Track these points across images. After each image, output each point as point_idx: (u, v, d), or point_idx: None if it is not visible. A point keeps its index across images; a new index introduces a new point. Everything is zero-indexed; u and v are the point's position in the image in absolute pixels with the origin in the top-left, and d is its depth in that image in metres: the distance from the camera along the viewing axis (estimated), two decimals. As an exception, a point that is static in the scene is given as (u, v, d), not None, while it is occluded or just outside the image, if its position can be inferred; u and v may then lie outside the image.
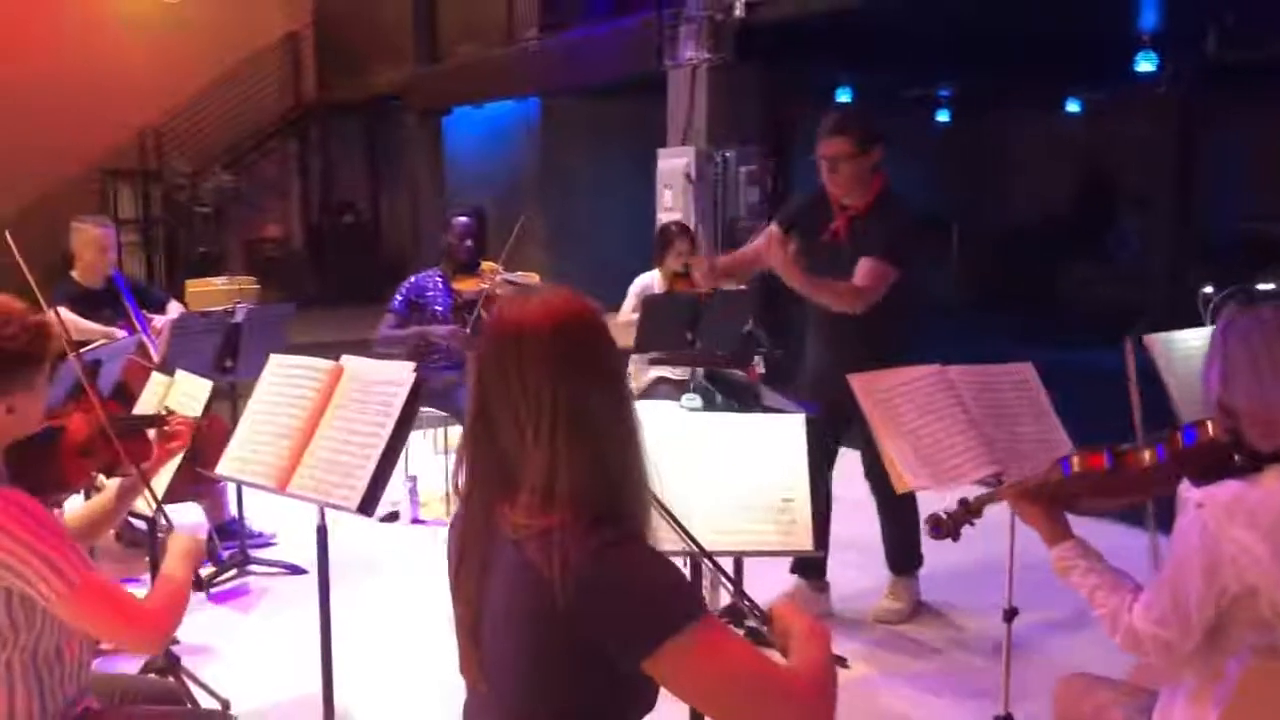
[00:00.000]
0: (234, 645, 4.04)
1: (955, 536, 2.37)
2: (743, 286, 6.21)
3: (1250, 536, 1.83)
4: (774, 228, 4.27)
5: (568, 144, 12.58)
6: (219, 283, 9.86)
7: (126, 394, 4.26)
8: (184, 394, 3.21)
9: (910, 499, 3.90)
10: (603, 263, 6.34)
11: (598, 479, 1.53)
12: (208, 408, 3.07)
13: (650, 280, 6.01)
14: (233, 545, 4.72)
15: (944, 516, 2.38)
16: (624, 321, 5.67)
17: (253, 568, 4.66)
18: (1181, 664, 1.96)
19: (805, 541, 2.53)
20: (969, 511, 2.34)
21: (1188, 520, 1.92)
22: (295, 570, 4.63)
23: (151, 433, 2.51)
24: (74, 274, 4.98)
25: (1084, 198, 15.26)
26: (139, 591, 2.15)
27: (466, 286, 5.57)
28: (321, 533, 2.77)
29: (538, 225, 12.82)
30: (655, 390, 5.58)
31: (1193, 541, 1.90)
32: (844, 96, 10.86)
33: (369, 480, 2.51)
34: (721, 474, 2.56)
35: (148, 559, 4.78)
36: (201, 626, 4.18)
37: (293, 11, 15.43)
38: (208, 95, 14.28)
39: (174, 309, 5.17)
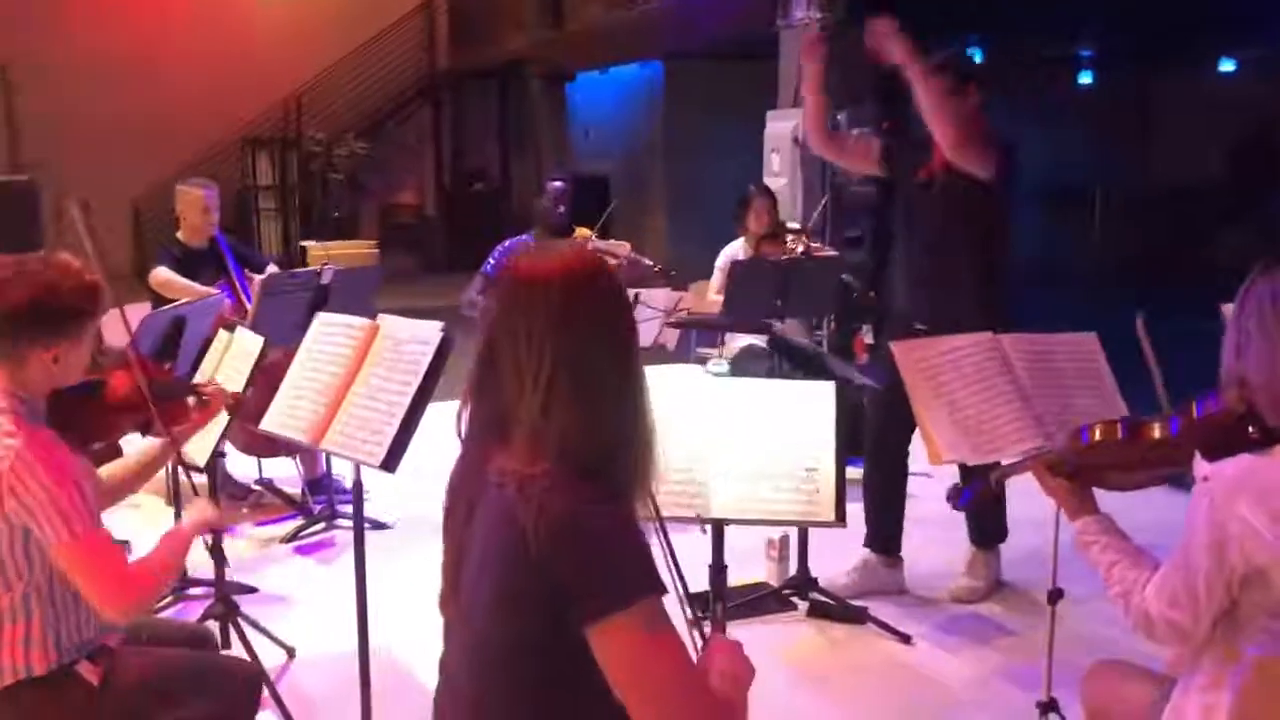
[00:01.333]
0: (312, 596, 4.16)
1: (975, 507, 2.25)
2: (834, 252, 6.08)
3: (1257, 514, 1.70)
4: (875, 146, 4.20)
5: (690, 108, 12.46)
6: (338, 246, 10.14)
7: None
8: (240, 351, 3.30)
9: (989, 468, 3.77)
10: (722, 229, 6.27)
11: (588, 434, 1.54)
12: (252, 376, 3.15)
13: (735, 249, 5.93)
14: (322, 500, 4.88)
15: (965, 487, 2.26)
16: (710, 300, 5.61)
17: (340, 522, 4.79)
18: (1196, 648, 1.83)
19: (827, 512, 2.45)
20: (986, 482, 2.22)
21: (1196, 496, 1.79)
22: (380, 526, 4.75)
23: (191, 399, 2.60)
24: (179, 235, 5.18)
25: (1239, 160, 14.37)
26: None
27: (558, 251, 5.61)
28: (357, 488, 2.82)
29: (659, 191, 12.78)
30: (744, 358, 5.51)
31: (1199, 519, 1.78)
32: (976, 57, 10.43)
33: (393, 438, 2.54)
34: (745, 440, 2.50)
35: (244, 510, 5.04)
36: (284, 576, 4.33)
37: (429, -23, 15.73)
38: (345, 64, 14.69)
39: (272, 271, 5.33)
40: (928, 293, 3.93)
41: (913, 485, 4.18)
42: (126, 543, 4.45)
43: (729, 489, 2.46)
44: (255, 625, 3.51)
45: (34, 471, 2.00)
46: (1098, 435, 1.96)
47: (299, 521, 4.77)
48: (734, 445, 2.49)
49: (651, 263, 5.43)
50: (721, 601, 2.61)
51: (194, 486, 2.76)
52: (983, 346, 2.75)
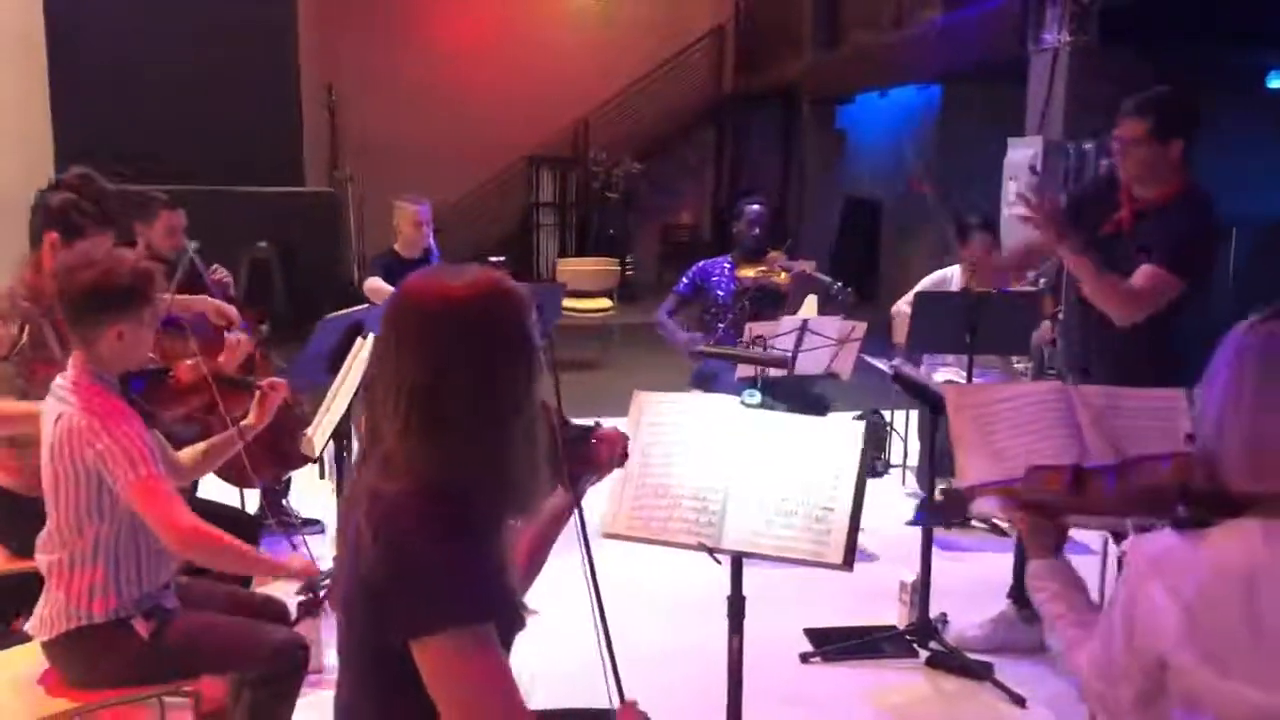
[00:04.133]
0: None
1: (947, 525, 2.12)
2: (1032, 287, 5.74)
3: (1168, 603, 1.53)
4: (1059, 203, 3.95)
5: (965, 132, 12.04)
6: (587, 262, 10.59)
7: None
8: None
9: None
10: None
11: (443, 459, 1.56)
12: None
13: (946, 275, 5.74)
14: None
15: (937, 499, 2.12)
16: (899, 320, 5.49)
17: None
18: None
19: (835, 555, 2.38)
20: (957, 500, 2.08)
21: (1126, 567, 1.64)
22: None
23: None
24: (395, 246, 5.65)
25: None
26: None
27: (748, 273, 5.66)
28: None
29: (928, 216, 12.40)
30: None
31: (1119, 593, 1.63)
32: (1276, 82, 9.46)
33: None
34: (766, 474, 2.47)
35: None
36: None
37: (718, 6, 16.10)
38: (635, 88, 15.32)
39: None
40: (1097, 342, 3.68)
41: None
42: (319, 521, 4.92)
43: (743, 522, 2.44)
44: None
45: (105, 424, 2.34)
46: (1047, 480, 1.83)
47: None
48: (754, 478, 2.47)
49: (830, 280, 5.36)
50: (739, 635, 2.58)
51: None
52: (1047, 395, 2.58)
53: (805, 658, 3.82)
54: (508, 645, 1.67)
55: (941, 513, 2.09)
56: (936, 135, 12.57)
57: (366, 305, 4.76)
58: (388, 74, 14.33)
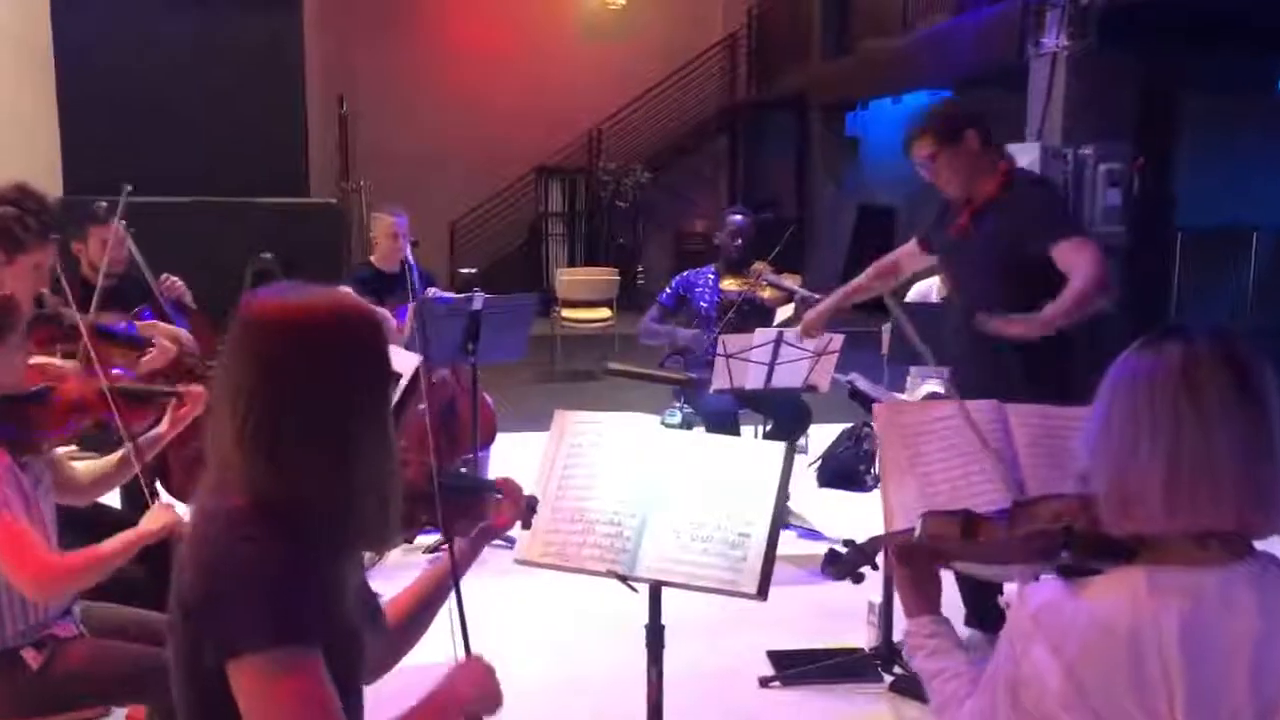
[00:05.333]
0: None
1: (856, 579, 1.97)
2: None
3: (1050, 663, 1.41)
4: (913, 243, 3.97)
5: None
6: (586, 272, 10.51)
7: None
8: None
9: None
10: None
11: (274, 475, 1.52)
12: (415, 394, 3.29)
13: (928, 286, 5.62)
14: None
15: (841, 553, 1.97)
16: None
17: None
18: None
19: (750, 584, 2.26)
20: (862, 553, 1.94)
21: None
22: (512, 543, 4.87)
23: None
24: (372, 258, 5.58)
25: None
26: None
27: (732, 286, 5.57)
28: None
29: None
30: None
31: (1001, 649, 1.50)
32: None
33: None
34: (683, 497, 2.37)
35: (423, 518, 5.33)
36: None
37: (732, 13, 16.01)
38: (647, 98, 15.24)
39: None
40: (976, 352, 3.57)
41: None
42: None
43: (658, 548, 2.34)
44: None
45: None
46: (938, 528, 1.70)
47: (436, 537, 4.99)
48: (671, 502, 2.37)
49: (810, 293, 5.25)
50: (657, 665, 2.48)
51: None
52: (984, 414, 2.47)
53: (764, 682, 3.71)
54: (349, 689, 1.59)
55: (844, 566, 1.93)
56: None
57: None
58: (400, 86, 14.34)
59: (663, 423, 2.30)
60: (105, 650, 2.46)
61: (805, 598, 4.27)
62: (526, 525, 2.08)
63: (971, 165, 3.49)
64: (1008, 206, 3.46)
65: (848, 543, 1.95)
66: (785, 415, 5.23)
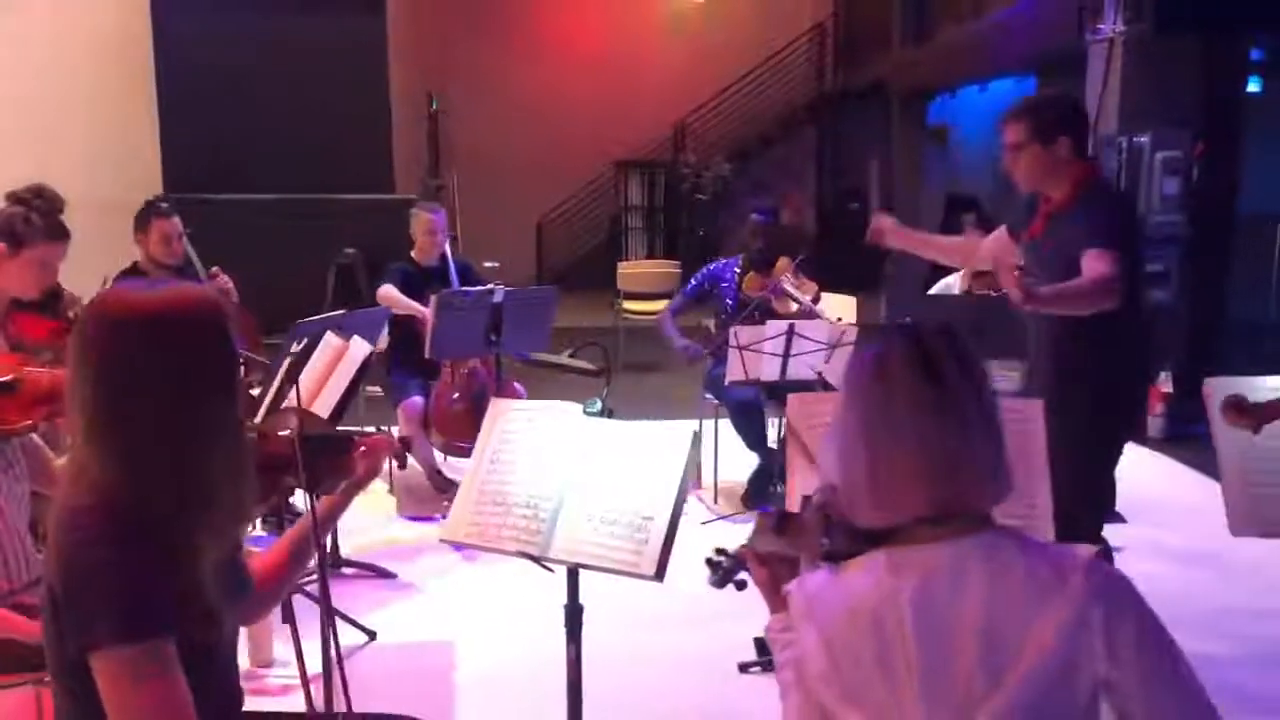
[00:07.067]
0: (438, 587, 4.53)
1: (739, 585, 2.00)
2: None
3: (815, 641, 1.49)
4: (1003, 230, 3.88)
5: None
6: (647, 265, 10.64)
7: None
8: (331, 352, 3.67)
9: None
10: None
11: (124, 468, 1.58)
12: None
13: (949, 283, 5.59)
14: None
15: (718, 561, 2.02)
16: None
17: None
18: None
19: (649, 566, 2.35)
20: (736, 560, 1.99)
21: None
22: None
23: None
24: (412, 254, 5.80)
25: None
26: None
27: (750, 286, 5.59)
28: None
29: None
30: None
31: (783, 639, 1.58)
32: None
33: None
34: (596, 481, 2.48)
35: (445, 503, 5.51)
36: (430, 566, 4.76)
37: (820, 2, 15.91)
38: (735, 88, 15.27)
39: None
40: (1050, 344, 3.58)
41: None
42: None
43: (570, 530, 2.45)
44: (341, 615, 3.73)
45: None
46: (760, 525, 1.77)
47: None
48: (585, 486, 2.48)
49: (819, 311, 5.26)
50: (575, 644, 2.59)
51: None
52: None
53: (744, 668, 3.77)
54: (213, 657, 1.71)
55: (723, 574, 1.95)
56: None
57: (338, 313, 4.89)
58: (488, 83, 14.66)
59: (585, 411, 2.38)
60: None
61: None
62: (402, 465, 2.34)
63: (1049, 169, 3.42)
64: (1078, 218, 3.39)
65: (720, 550, 1.97)
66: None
